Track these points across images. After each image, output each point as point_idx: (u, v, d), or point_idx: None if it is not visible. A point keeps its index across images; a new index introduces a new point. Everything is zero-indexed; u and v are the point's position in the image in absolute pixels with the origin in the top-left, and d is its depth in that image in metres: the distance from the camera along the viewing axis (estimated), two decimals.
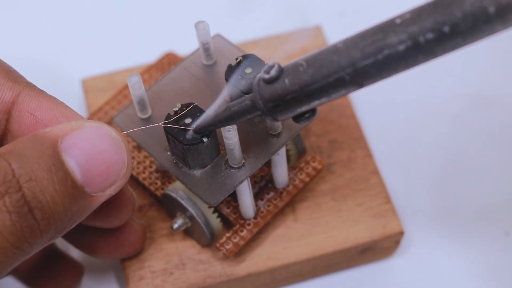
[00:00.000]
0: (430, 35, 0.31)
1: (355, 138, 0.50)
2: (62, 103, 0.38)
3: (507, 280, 0.48)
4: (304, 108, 0.36)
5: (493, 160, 0.52)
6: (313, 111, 0.37)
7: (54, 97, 0.38)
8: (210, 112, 0.40)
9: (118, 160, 0.36)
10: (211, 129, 0.40)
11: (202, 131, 0.40)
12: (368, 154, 0.49)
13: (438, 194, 0.51)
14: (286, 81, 0.35)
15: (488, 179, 0.52)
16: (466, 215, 0.50)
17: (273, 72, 0.35)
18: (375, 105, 0.54)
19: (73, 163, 0.35)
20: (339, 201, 0.48)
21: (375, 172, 0.49)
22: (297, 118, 0.37)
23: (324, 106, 0.51)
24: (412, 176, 0.52)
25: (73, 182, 0.35)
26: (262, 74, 0.36)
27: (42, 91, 0.39)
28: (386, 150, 0.53)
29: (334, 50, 0.33)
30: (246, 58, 0.42)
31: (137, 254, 0.46)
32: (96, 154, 0.35)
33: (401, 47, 0.31)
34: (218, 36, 0.46)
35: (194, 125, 0.40)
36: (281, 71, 0.35)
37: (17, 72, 0.39)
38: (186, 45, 0.51)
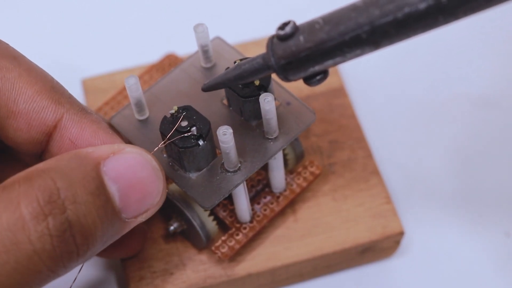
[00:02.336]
0: None
1: (355, 139, 0.50)
2: (104, 127, 0.38)
3: (508, 280, 0.48)
4: (317, 68, 0.35)
5: (493, 160, 0.52)
6: (325, 73, 0.36)
7: (97, 119, 0.38)
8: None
9: (155, 190, 0.36)
10: (219, 88, 0.40)
11: (211, 90, 0.40)
12: (368, 155, 0.49)
13: (438, 194, 0.51)
14: (301, 38, 0.34)
15: (488, 179, 0.51)
16: (466, 215, 0.50)
17: (288, 29, 0.35)
18: (375, 105, 0.54)
19: (114, 188, 0.34)
20: (339, 202, 0.48)
21: (375, 172, 0.48)
22: (309, 79, 0.36)
23: (324, 107, 0.51)
24: (412, 176, 0.52)
25: (113, 207, 0.34)
26: (276, 31, 0.35)
27: (85, 112, 0.38)
28: (386, 150, 0.52)
29: (353, 8, 0.33)
30: None
31: (137, 254, 0.46)
32: (136, 182, 0.35)
33: (422, 6, 0.31)
34: (217, 38, 0.46)
35: (204, 85, 0.40)
36: (296, 28, 0.35)
37: (60, 87, 0.38)
38: (187, 46, 0.51)
